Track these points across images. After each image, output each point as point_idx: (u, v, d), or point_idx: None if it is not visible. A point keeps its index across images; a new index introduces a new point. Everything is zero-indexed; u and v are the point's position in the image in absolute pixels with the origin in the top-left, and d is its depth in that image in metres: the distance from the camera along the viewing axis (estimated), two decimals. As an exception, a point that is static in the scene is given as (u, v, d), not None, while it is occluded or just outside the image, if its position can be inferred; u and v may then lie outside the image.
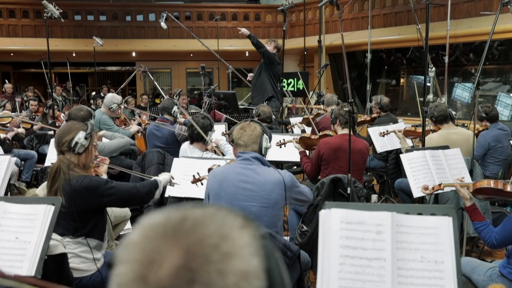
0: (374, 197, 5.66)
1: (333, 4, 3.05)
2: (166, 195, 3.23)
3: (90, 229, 2.37)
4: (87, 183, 2.33)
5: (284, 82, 10.18)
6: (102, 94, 11.98)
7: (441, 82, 7.98)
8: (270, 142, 2.48)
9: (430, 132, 4.13)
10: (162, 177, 2.70)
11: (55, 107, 6.65)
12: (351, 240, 1.58)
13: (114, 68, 16.85)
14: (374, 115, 6.04)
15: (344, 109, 3.39)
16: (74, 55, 12.22)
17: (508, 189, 2.22)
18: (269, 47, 6.60)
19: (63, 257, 2.09)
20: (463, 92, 10.12)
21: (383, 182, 5.76)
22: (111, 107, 5.31)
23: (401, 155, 3.07)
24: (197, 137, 3.59)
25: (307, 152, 3.88)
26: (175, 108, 4.54)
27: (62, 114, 7.30)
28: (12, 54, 12.66)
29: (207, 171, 2.71)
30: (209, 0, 15.06)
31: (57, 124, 6.78)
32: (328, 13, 11.98)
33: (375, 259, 1.55)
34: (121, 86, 8.49)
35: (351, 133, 3.25)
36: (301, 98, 9.77)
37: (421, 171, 3.02)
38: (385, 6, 10.68)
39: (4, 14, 12.24)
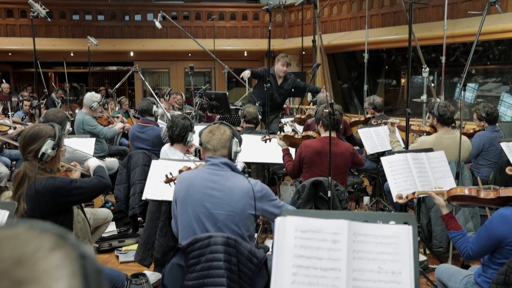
0: (366, 199, 5.58)
1: (310, 3, 2.98)
2: (144, 198, 3.17)
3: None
4: (51, 185, 2.28)
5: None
6: (102, 95, 11.98)
7: (443, 82, 7.88)
8: (240, 146, 2.41)
9: (424, 134, 4.04)
10: (93, 162, 2.67)
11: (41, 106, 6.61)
12: (306, 249, 1.51)
13: (114, 68, 16.85)
14: (368, 115, 5.97)
15: (325, 110, 3.32)
16: (72, 54, 12.20)
17: (482, 195, 2.15)
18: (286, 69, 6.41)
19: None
20: (465, 92, 10.04)
21: (375, 184, 5.68)
22: (92, 106, 5.27)
23: (381, 158, 2.99)
24: (177, 138, 3.53)
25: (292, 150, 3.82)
26: (154, 107, 4.49)
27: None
28: (10, 54, 12.65)
29: (178, 172, 2.64)
30: (210, 0, 15.02)
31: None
32: (327, 12, 11.90)
33: (330, 270, 1.48)
34: (116, 86, 8.44)
35: (334, 135, 3.19)
36: (299, 98, 9.70)
37: (402, 174, 2.94)
38: (383, 5, 10.58)
39: (2, 13, 12.23)
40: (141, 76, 5.80)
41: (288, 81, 6.17)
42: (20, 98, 9.35)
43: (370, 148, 4.88)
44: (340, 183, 3.35)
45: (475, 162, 4.61)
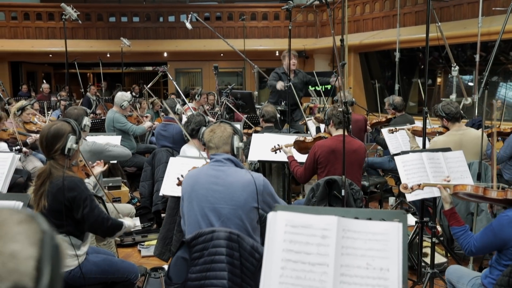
0: (391, 199, 5.51)
1: (322, 2, 2.98)
2: (161, 194, 3.27)
3: (72, 228, 2.42)
4: (72, 186, 2.37)
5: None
6: (134, 94, 12.29)
7: (479, 81, 7.65)
8: (241, 141, 2.45)
9: (437, 134, 3.98)
10: (128, 223, 2.64)
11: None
12: (295, 244, 1.54)
13: (149, 68, 17.24)
14: (390, 116, 5.88)
15: (338, 109, 3.31)
16: (108, 55, 12.56)
17: (489, 195, 2.10)
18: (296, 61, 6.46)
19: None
20: (509, 91, 9.70)
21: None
22: (122, 105, 5.43)
23: (395, 157, 2.96)
24: (192, 132, 3.62)
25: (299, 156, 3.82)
26: (178, 106, 4.59)
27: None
28: (51, 56, 13.16)
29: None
30: (243, 0, 15.13)
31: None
32: (359, 11, 11.77)
33: (318, 264, 1.50)
34: (148, 86, 8.64)
35: (346, 133, 3.17)
36: (330, 98, 9.65)
37: (416, 173, 2.90)
38: (416, 3, 10.37)
39: (44, 17, 12.75)
40: (169, 76, 5.94)
41: (299, 75, 6.28)
42: (58, 97, 9.74)
43: (394, 148, 4.81)
44: (355, 180, 3.33)
45: (506, 163, 4.47)
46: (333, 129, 3.49)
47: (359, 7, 11.70)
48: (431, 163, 2.96)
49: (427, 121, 5.32)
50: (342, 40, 8.69)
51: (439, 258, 3.68)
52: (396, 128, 4.50)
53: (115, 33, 12.65)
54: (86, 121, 3.63)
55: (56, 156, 2.41)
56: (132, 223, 2.71)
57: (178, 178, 2.78)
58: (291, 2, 4.14)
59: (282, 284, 1.50)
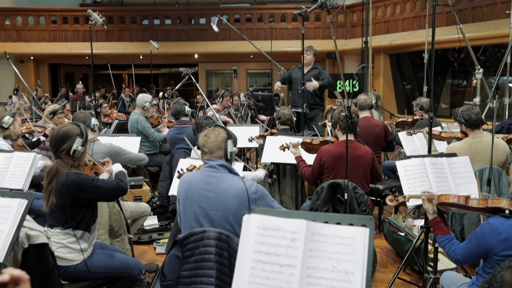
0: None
1: (324, 9, 3.02)
2: (169, 194, 3.39)
3: (77, 222, 2.58)
4: (75, 180, 2.54)
5: (339, 83, 10.09)
6: (166, 95, 12.60)
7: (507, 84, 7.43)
8: (235, 146, 2.52)
9: (454, 140, 3.93)
10: (117, 167, 2.89)
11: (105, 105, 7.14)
12: (266, 246, 1.61)
13: (182, 69, 17.58)
14: (417, 117, 5.82)
15: (342, 114, 3.33)
16: (141, 57, 12.92)
17: (470, 204, 2.09)
18: (309, 56, 6.52)
19: (44, 246, 2.30)
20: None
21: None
22: (144, 106, 5.61)
23: (396, 162, 2.97)
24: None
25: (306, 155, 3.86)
26: (186, 108, 4.70)
27: (115, 112, 7.82)
28: (87, 58, 13.64)
29: (186, 170, 2.81)
30: (275, 1, 15.20)
31: (106, 121, 7.27)
32: (390, 11, 11.62)
33: (286, 266, 1.57)
34: (175, 88, 8.88)
35: (352, 138, 3.21)
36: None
37: (417, 179, 2.90)
38: (448, 3, 10.14)
39: (81, 20, 13.25)
40: (192, 78, 6.08)
41: (313, 71, 6.32)
42: (92, 97, 10.11)
43: (411, 151, 4.76)
44: (361, 186, 3.35)
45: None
46: (339, 133, 3.52)
47: (390, 7, 11.56)
48: (434, 169, 2.95)
49: (446, 124, 5.24)
50: (366, 42, 8.66)
51: (449, 264, 3.64)
52: (414, 131, 4.47)
53: (148, 36, 12.99)
54: (94, 121, 3.80)
55: (62, 155, 2.58)
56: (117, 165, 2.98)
57: (178, 172, 2.88)
58: (303, 7, 4.18)
59: (252, 284, 1.58)
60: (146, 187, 5.51)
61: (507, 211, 1.94)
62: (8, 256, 2.02)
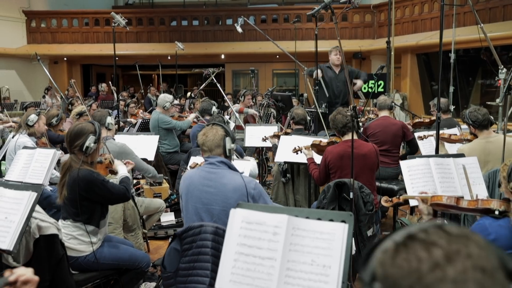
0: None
1: (327, 9, 3.04)
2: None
3: (88, 216, 2.71)
4: (86, 176, 2.67)
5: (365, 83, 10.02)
6: (192, 95, 12.80)
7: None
8: (233, 142, 2.60)
9: (464, 142, 3.89)
10: (123, 171, 3.00)
11: (132, 105, 7.33)
12: (249, 239, 1.68)
13: (204, 70, 17.81)
14: (434, 118, 5.74)
15: (347, 113, 3.35)
16: (169, 58, 13.18)
17: (461, 205, 2.09)
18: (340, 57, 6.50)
19: (54, 237, 2.44)
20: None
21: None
22: (165, 106, 5.75)
23: (400, 162, 2.97)
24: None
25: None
26: (214, 108, 4.80)
27: (140, 111, 8.03)
28: (117, 58, 14.00)
29: (189, 167, 2.90)
30: (303, 2, 15.20)
31: (132, 121, 7.48)
32: (418, 11, 11.45)
33: (267, 258, 1.63)
34: (199, 88, 9.04)
35: (357, 137, 3.23)
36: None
37: (421, 179, 2.90)
38: (478, 2, 9.93)
39: (111, 21, 13.60)
40: (213, 79, 6.20)
41: (343, 71, 6.30)
42: (120, 97, 10.40)
43: (427, 152, 4.72)
44: (367, 184, 3.37)
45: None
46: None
47: (417, 6, 11.39)
48: (439, 169, 2.94)
49: (461, 126, 5.16)
50: (388, 42, 8.58)
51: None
52: (425, 135, 4.45)
53: (176, 37, 13.24)
54: (109, 120, 3.94)
55: (76, 151, 2.72)
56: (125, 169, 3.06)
57: (181, 170, 2.97)
58: (314, 8, 4.20)
59: (234, 275, 1.65)
60: (165, 185, 5.65)
61: (496, 212, 1.94)
62: (17, 245, 2.16)
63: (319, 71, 6.17)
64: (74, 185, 2.65)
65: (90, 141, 2.74)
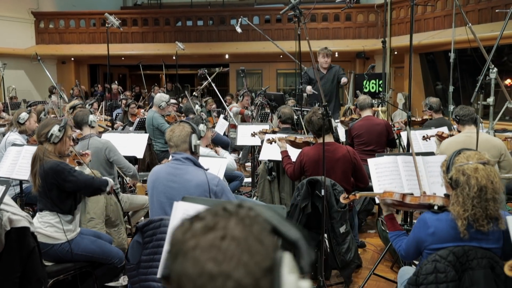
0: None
1: (295, 11, 3.09)
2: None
3: (62, 206, 2.82)
4: (54, 167, 2.78)
5: (366, 83, 10.03)
6: (195, 94, 12.92)
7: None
8: (199, 140, 2.68)
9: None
10: (111, 180, 3.06)
11: (133, 105, 7.44)
12: (188, 231, 1.75)
13: (216, 70, 17.92)
14: (426, 117, 5.76)
15: (314, 116, 3.40)
16: (174, 58, 13.31)
17: (405, 200, 2.14)
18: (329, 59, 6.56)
19: (25, 230, 2.54)
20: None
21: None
22: (161, 105, 5.86)
23: (368, 159, 3.02)
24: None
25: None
26: (197, 106, 4.89)
27: (142, 111, 8.17)
28: (123, 58, 14.20)
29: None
30: (309, 2, 15.19)
31: (132, 120, 7.60)
32: (421, 10, 11.40)
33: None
34: (200, 88, 9.15)
35: (332, 140, 3.28)
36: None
37: (388, 176, 2.95)
38: (480, 1, 9.86)
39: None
40: (208, 78, 6.29)
41: (333, 69, 6.40)
42: (123, 96, 10.56)
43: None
44: (344, 185, 3.41)
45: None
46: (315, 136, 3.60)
47: (420, 6, 11.33)
48: (407, 167, 2.99)
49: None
50: (383, 42, 8.58)
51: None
52: (427, 135, 4.51)
53: (181, 37, 13.37)
54: (92, 118, 4.04)
55: (43, 140, 2.85)
56: (112, 182, 3.11)
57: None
58: (297, 11, 4.18)
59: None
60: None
61: (435, 207, 1.98)
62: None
63: (308, 87, 6.29)
64: (44, 176, 2.77)
65: (54, 129, 2.86)
